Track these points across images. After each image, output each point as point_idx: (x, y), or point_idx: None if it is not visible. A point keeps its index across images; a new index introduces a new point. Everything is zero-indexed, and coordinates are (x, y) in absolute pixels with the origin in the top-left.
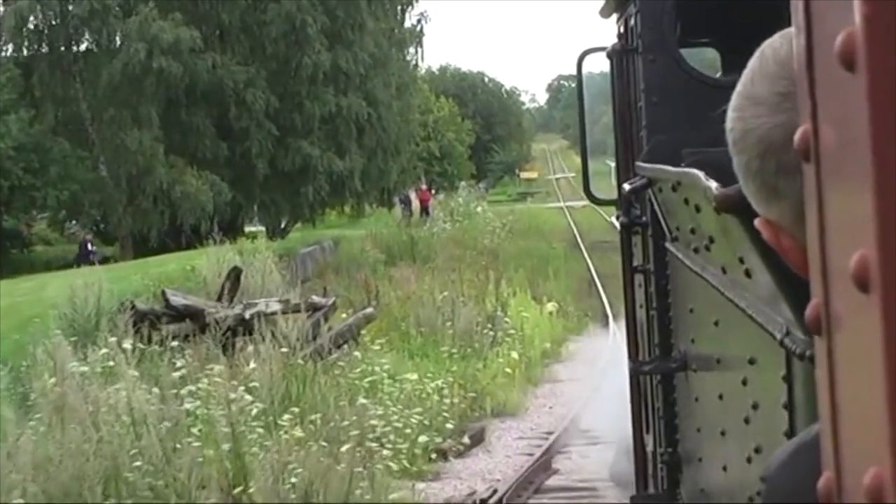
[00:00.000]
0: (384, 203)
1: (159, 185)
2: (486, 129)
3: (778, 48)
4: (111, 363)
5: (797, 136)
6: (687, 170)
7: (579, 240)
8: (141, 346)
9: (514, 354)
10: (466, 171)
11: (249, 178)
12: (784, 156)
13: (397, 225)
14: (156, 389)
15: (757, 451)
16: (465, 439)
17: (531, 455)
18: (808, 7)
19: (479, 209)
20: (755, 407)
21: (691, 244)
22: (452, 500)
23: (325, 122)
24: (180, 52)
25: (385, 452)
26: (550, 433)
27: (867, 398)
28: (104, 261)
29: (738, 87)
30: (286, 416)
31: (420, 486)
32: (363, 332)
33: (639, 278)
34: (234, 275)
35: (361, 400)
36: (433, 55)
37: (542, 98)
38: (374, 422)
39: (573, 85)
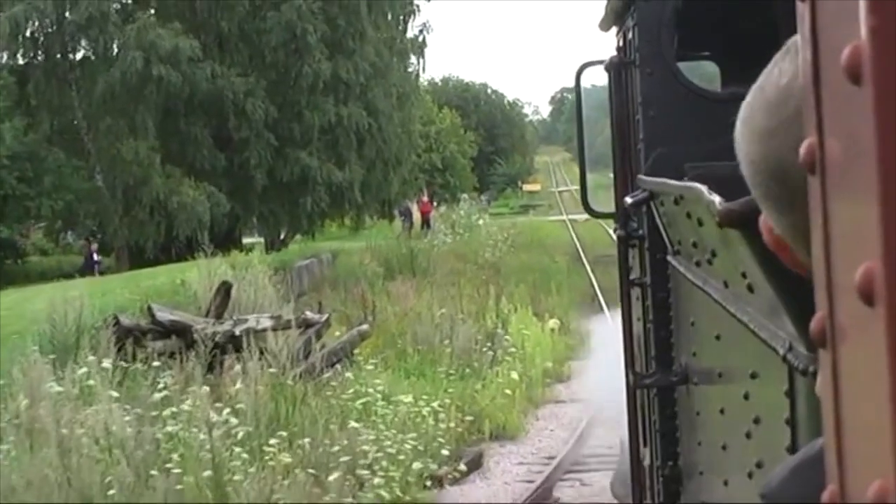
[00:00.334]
0: (385, 215)
1: (156, 195)
2: (488, 141)
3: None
4: (91, 382)
5: (802, 149)
6: (690, 184)
7: (582, 254)
8: (124, 363)
9: (515, 375)
10: (469, 183)
11: (248, 189)
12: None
13: (397, 238)
14: (139, 410)
15: (758, 465)
16: (462, 466)
17: (531, 482)
18: (815, 20)
19: (480, 222)
20: (757, 421)
21: (693, 257)
22: None
23: (325, 132)
24: (179, 60)
25: (377, 481)
26: (552, 458)
27: (872, 411)
28: (101, 272)
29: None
30: (273, 441)
31: None
32: (357, 349)
33: (636, 291)
34: (224, 289)
35: (353, 424)
36: (436, 66)
37: (546, 110)
38: (365, 447)
39: None
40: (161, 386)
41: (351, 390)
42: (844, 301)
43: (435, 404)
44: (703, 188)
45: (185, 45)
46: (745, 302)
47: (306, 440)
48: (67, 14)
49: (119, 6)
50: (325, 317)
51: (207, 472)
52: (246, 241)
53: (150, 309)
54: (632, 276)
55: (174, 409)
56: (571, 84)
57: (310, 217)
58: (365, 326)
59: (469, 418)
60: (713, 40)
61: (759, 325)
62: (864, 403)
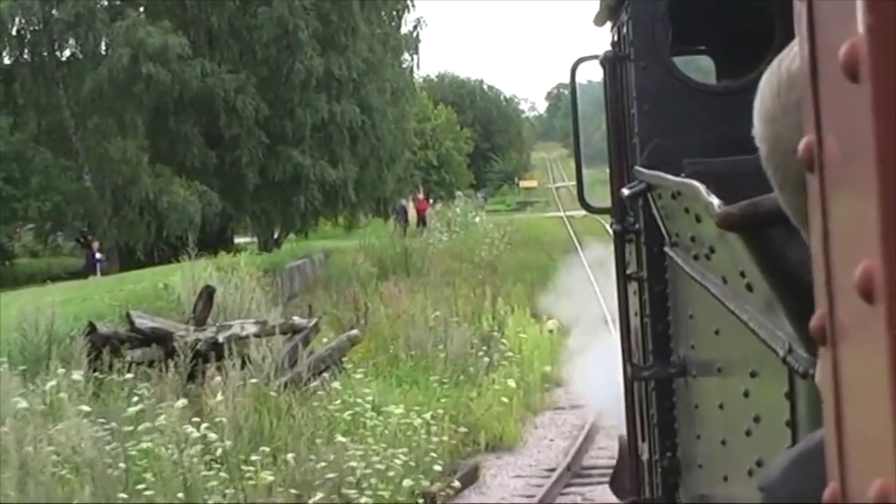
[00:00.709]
0: (380, 213)
1: (145, 195)
2: (484, 138)
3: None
4: (63, 395)
5: (801, 147)
6: (688, 181)
7: (580, 251)
8: (99, 374)
9: (511, 383)
10: (465, 179)
11: (239, 188)
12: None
13: (391, 236)
14: (114, 424)
15: (759, 464)
16: (456, 482)
17: (530, 497)
18: (812, 17)
19: (477, 219)
20: (757, 420)
21: (691, 251)
22: None
23: (318, 129)
24: (168, 58)
25: (364, 500)
26: (552, 470)
27: (872, 409)
28: (103, 271)
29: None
30: (254, 457)
31: None
32: (348, 355)
33: (633, 286)
34: (207, 294)
35: (340, 438)
36: (431, 62)
37: (542, 106)
38: (353, 463)
39: None
40: (136, 399)
41: (339, 401)
42: (844, 299)
43: (427, 415)
44: (701, 187)
45: (175, 42)
46: (743, 300)
47: (290, 455)
48: (54, 12)
49: (107, 3)
50: (313, 322)
51: (181, 495)
52: (239, 241)
53: (128, 316)
54: (628, 271)
55: (149, 423)
56: (568, 80)
57: (303, 216)
58: (355, 331)
59: (463, 429)
60: (708, 35)
61: (758, 323)
62: (864, 401)
